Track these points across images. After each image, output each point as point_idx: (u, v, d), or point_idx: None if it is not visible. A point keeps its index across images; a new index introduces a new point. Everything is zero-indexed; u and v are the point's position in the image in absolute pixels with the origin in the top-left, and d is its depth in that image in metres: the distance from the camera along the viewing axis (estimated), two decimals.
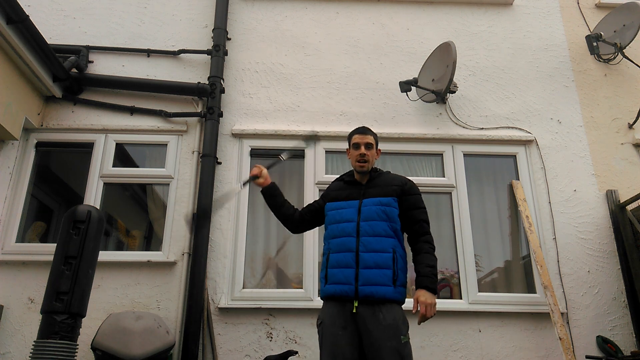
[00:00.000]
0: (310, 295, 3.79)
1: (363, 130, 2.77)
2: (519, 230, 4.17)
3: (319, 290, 3.07)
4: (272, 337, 3.67)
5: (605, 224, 4.09)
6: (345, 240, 2.54)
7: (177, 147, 4.24)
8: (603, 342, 3.68)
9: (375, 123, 4.37)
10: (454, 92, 4.38)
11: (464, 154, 4.31)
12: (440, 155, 4.32)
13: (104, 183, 4.12)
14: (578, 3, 5.02)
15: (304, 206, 2.92)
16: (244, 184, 2.92)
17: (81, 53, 4.42)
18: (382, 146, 4.28)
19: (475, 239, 4.05)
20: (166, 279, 3.79)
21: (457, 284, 3.93)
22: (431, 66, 4.40)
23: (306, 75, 4.56)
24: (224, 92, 4.39)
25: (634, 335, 3.76)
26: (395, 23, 4.84)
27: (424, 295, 2.42)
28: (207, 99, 4.29)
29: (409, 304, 2.47)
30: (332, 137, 4.26)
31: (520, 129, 4.40)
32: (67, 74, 4.19)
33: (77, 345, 2.56)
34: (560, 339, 3.52)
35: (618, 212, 4.05)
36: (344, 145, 2.92)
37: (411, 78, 4.35)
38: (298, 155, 4.28)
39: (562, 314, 3.74)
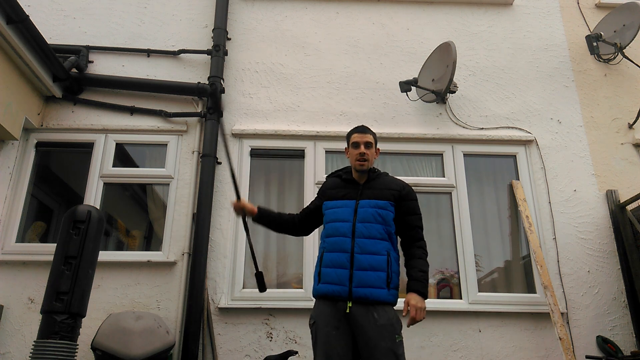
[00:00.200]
0: (310, 295, 3.79)
1: (362, 130, 2.76)
2: (519, 230, 4.17)
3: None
4: (272, 337, 3.67)
5: (605, 224, 4.09)
6: (339, 240, 2.54)
7: (177, 147, 4.24)
8: (603, 342, 3.68)
9: (375, 123, 4.36)
10: (454, 92, 4.38)
11: (464, 154, 4.31)
12: (440, 155, 4.32)
13: (104, 183, 4.12)
14: (578, 3, 5.02)
15: (302, 209, 2.90)
16: (245, 228, 2.86)
17: (81, 53, 4.42)
18: (382, 146, 4.29)
19: (475, 239, 4.05)
20: (166, 279, 3.79)
21: (457, 284, 3.93)
22: (431, 66, 4.40)
23: (306, 75, 4.56)
24: (224, 92, 4.39)
25: (634, 335, 3.76)
26: (395, 23, 4.84)
27: (415, 299, 2.43)
28: (207, 99, 4.29)
29: (400, 303, 2.47)
30: (332, 137, 4.26)
31: (520, 129, 4.40)
32: (67, 74, 4.19)
33: (77, 345, 2.56)
34: (560, 339, 3.52)
35: (618, 212, 4.05)
36: (344, 145, 2.91)
37: (411, 78, 4.35)
38: (298, 155, 4.28)
39: (562, 314, 3.74)
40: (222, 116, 2.64)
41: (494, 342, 3.71)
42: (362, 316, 2.40)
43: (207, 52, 4.50)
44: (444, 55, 4.25)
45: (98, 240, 2.78)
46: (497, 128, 4.39)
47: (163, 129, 4.29)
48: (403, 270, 2.61)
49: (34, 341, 2.50)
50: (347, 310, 2.42)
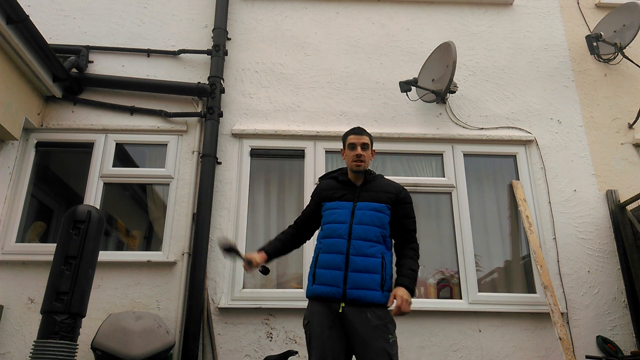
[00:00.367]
0: None
1: (359, 131, 2.76)
2: (519, 230, 4.17)
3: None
4: (272, 337, 3.67)
5: (605, 224, 4.09)
6: (336, 241, 2.54)
7: (177, 147, 4.24)
8: (603, 342, 3.68)
9: (375, 123, 4.37)
10: (454, 92, 4.38)
11: (464, 154, 4.31)
12: (440, 155, 4.32)
13: (104, 183, 4.12)
14: (578, 3, 5.02)
15: (298, 218, 2.86)
16: (262, 270, 2.69)
17: (81, 53, 4.42)
18: (382, 146, 4.33)
19: (475, 239, 4.05)
20: (166, 279, 3.79)
21: (457, 284, 3.93)
22: (431, 66, 4.40)
23: (306, 75, 4.56)
24: (224, 92, 4.39)
25: (634, 335, 3.76)
26: (395, 23, 4.84)
27: (402, 291, 2.44)
28: (207, 99, 4.29)
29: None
30: (332, 137, 4.26)
31: (520, 129, 4.40)
32: (67, 74, 4.19)
33: (77, 345, 2.56)
34: (560, 339, 3.52)
35: (618, 212, 4.05)
36: None
37: (411, 78, 4.35)
38: (298, 155, 4.28)
39: (562, 314, 3.74)
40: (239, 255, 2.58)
41: (494, 342, 3.71)
42: (356, 317, 2.41)
43: (207, 52, 4.50)
44: (444, 55, 4.25)
45: (98, 240, 2.78)
46: (497, 128, 4.39)
47: (163, 129, 4.29)
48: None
49: (34, 341, 2.50)
50: (340, 311, 2.42)
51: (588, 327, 3.77)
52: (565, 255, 3.97)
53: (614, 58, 4.63)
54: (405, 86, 4.28)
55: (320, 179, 2.94)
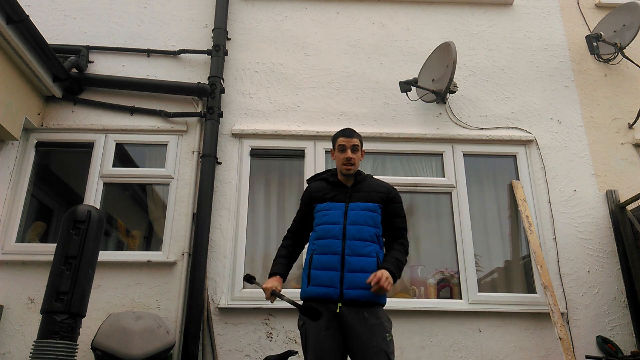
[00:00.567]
0: None
1: (349, 133, 2.75)
2: (519, 230, 4.17)
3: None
4: (272, 337, 3.67)
5: (605, 224, 4.09)
6: (330, 242, 2.54)
7: (177, 147, 4.24)
8: (603, 342, 3.68)
9: (375, 123, 4.37)
10: (454, 92, 4.38)
11: (464, 154, 4.31)
12: (440, 155, 4.32)
13: (104, 183, 4.12)
14: (578, 3, 5.02)
15: (291, 225, 2.84)
16: (280, 296, 2.57)
17: (81, 53, 4.42)
18: (382, 146, 4.33)
19: (475, 239, 4.05)
20: (166, 279, 3.79)
21: (457, 284, 3.93)
22: (431, 66, 4.40)
23: (306, 75, 4.56)
24: (224, 92, 4.39)
25: (634, 335, 3.76)
26: (395, 23, 4.84)
27: (382, 271, 2.40)
28: (207, 99, 4.29)
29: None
30: (332, 137, 4.25)
31: (520, 129, 4.40)
32: (67, 74, 4.19)
33: (77, 345, 2.56)
34: (560, 339, 3.52)
35: (618, 212, 4.05)
36: None
37: (411, 78, 4.35)
38: (298, 155, 4.28)
39: (562, 314, 3.74)
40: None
41: (494, 342, 3.71)
42: (353, 316, 2.41)
43: (207, 52, 4.50)
44: (444, 55, 4.25)
45: (98, 240, 2.77)
46: (497, 128, 4.39)
47: (163, 129, 4.29)
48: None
49: (34, 341, 2.50)
50: (337, 311, 2.42)
51: (588, 327, 3.77)
52: (565, 255, 3.97)
53: (614, 58, 4.63)
54: (405, 86, 4.28)
55: (309, 180, 2.92)
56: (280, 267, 2.67)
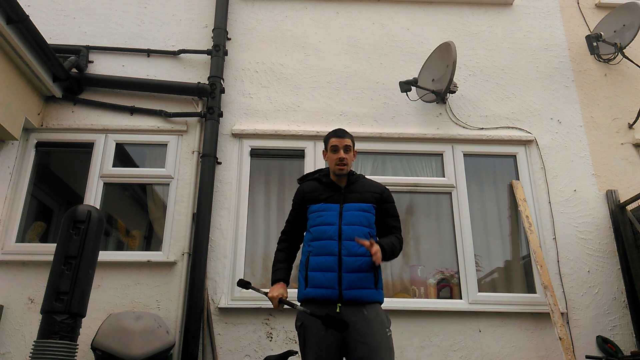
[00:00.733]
0: None
1: (341, 134, 2.75)
2: (519, 230, 4.17)
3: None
4: (272, 337, 3.67)
5: (605, 224, 4.09)
6: (326, 243, 2.55)
7: (177, 147, 4.24)
8: (603, 342, 3.68)
9: (375, 123, 4.37)
10: (454, 92, 4.38)
11: (464, 154, 4.31)
12: (440, 155, 4.32)
13: (104, 183, 4.12)
14: (578, 3, 5.02)
15: (286, 226, 2.82)
16: (291, 304, 2.54)
17: (81, 53, 4.42)
18: (382, 146, 4.33)
19: (475, 239, 4.05)
20: (166, 279, 3.79)
21: (457, 284, 3.93)
22: (431, 66, 4.40)
23: (306, 75, 4.57)
24: (224, 92, 4.39)
25: (634, 335, 3.76)
26: (395, 23, 4.84)
27: (378, 247, 2.40)
28: (207, 99, 4.29)
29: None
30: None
31: (520, 129, 4.40)
32: (67, 74, 4.19)
33: (77, 345, 2.56)
34: (560, 339, 3.52)
35: (618, 212, 4.05)
36: None
37: (411, 78, 4.35)
38: (298, 155, 4.28)
39: (562, 314, 3.74)
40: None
41: (494, 342, 3.71)
42: (352, 314, 2.43)
43: (207, 52, 4.50)
44: (444, 55, 4.25)
45: (98, 240, 2.77)
46: (497, 128, 4.39)
47: (163, 129, 4.29)
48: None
49: (34, 341, 2.50)
50: (337, 310, 2.43)
51: (588, 327, 3.77)
52: (565, 255, 3.97)
53: (614, 58, 4.63)
54: (405, 86, 4.29)
55: (300, 180, 2.91)
56: (282, 272, 2.67)
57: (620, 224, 4.00)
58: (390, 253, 2.52)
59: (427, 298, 3.94)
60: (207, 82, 4.35)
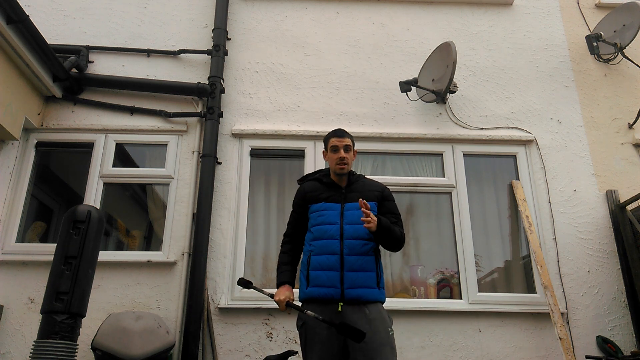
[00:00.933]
0: None
1: (341, 134, 2.76)
2: (519, 230, 4.17)
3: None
4: (272, 337, 3.67)
5: (605, 224, 4.09)
6: (328, 242, 2.55)
7: (177, 147, 4.24)
8: (603, 342, 3.68)
9: (375, 123, 4.37)
10: (454, 92, 4.38)
11: (464, 154, 4.31)
12: (440, 155, 4.32)
13: (104, 183, 4.12)
14: (578, 3, 5.02)
15: (288, 228, 2.82)
16: (297, 308, 2.54)
17: (81, 53, 4.42)
18: (382, 146, 4.33)
19: (475, 239, 4.05)
20: (166, 279, 3.79)
21: (457, 284, 3.93)
22: (431, 66, 4.40)
23: (306, 75, 4.57)
24: (224, 92, 4.39)
25: (634, 335, 3.76)
26: (395, 23, 4.84)
27: (376, 219, 2.46)
28: (207, 99, 4.29)
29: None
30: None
31: (520, 129, 4.40)
32: (67, 74, 4.19)
33: (77, 345, 2.56)
34: (560, 339, 3.52)
35: (618, 212, 4.05)
36: None
37: (411, 78, 4.35)
38: (298, 155, 4.29)
39: (562, 314, 3.74)
40: None
41: (494, 342, 3.71)
42: (355, 313, 2.44)
43: (207, 52, 4.50)
44: (444, 55, 4.25)
45: (98, 240, 2.77)
46: (497, 128, 4.39)
47: (163, 129, 4.29)
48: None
49: (34, 341, 2.49)
50: (340, 310, 2.44)
51: (588, 327, 3.77)
52: (565, 255, 3.97)
53: (614, 58, 4.63)
54: (405, 86, 4.29)
55: (300, 181, 2.91)
56: (287, 275, 2.67)
57: (620, 224, 4.00)
58: (386, 230, 2.52)
59: (427, 298, 3.94)
60: (207, 82, 4.35)
